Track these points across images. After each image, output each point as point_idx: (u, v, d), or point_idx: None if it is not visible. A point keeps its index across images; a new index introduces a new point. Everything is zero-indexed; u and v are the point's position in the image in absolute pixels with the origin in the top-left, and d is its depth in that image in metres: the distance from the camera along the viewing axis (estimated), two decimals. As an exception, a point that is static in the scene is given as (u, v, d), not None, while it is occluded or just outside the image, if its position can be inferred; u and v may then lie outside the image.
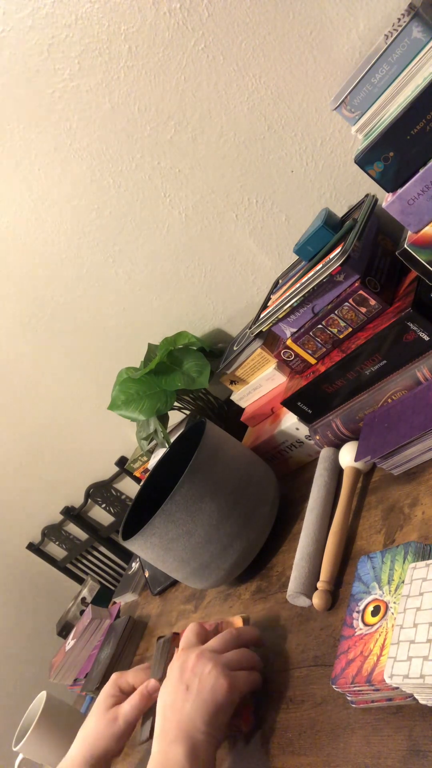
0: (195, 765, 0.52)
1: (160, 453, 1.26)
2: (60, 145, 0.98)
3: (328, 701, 0.54)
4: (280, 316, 0.76)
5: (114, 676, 0.74)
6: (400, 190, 0.60)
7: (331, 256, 0.70)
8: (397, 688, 0.44)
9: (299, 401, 0.79)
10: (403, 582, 0.50)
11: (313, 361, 0.79)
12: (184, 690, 0.58)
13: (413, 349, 0.68)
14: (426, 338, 0.66)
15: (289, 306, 0.74)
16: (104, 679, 1.03)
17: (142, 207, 1.02)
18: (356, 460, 0.66)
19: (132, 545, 0.77)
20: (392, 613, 0.49)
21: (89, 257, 1.14)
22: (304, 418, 0.81)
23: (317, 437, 0.80)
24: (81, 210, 1.07)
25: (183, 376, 1.06)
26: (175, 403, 1.13)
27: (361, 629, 0.51)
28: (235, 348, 1.01)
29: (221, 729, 0.57)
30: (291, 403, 0.80)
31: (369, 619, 0.51)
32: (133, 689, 0.72)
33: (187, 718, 0.56)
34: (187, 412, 1.21)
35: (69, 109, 0.93)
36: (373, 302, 0.70)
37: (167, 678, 0.62)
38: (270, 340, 0.95)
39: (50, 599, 2.21)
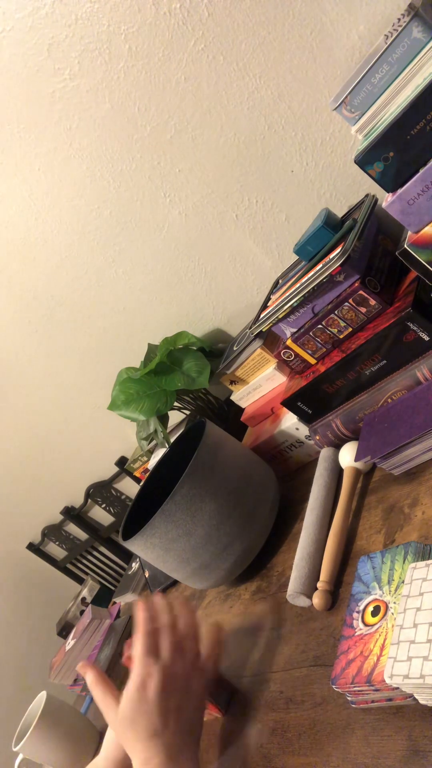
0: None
1: (160, 453, 1.26)
2: (60, 145, 0.98)
3: (328, 701, 0.54)
4: (280, 316, 0.76)
5: None
6: (400, 190, 0.60)
7: (331, 256, 0.70)
8: (397, 688, 0.44)
9: (299, 401, 0.79)
10: (403, 582, 0.50)
11: (313, 361, 0.79)
12: (165, 713, 0.57)
13: (413, 349, 0.68)
14: (426, 338, 0.66)
15: (289, 306, 0.74)
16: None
17: (142, 207, 1.02)
18: (356, 460, 0.66)
19: (132, 545, 0.77)
20: (392, 613, 0.49)
21: (89, 257, 1.14)
22: (304, 418, 0.81)
23: (317, 437, 0.80)
24: (81, 210, 1.07)
25: (183, 376, 1.06)
26: (175, 403, 1.13)
27: (361, 629, 0.51)
28: (235, 348, 1.01)
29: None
30: (291, 403, 0.80)
31: (369, 619, 0.51)
32: None
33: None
34: (187, 412, 1.21)
35: (69, 109, 0.93)
36: (373, 302, 0.70)
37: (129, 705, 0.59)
38: (270, 340, 0.95)
39: (50, 599, 2.21)
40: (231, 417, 1.16)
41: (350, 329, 0.73)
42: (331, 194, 0.91)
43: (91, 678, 0.61)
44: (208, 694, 0.65)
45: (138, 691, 0.56)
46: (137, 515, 0.87)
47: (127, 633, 1.10)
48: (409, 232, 0.62)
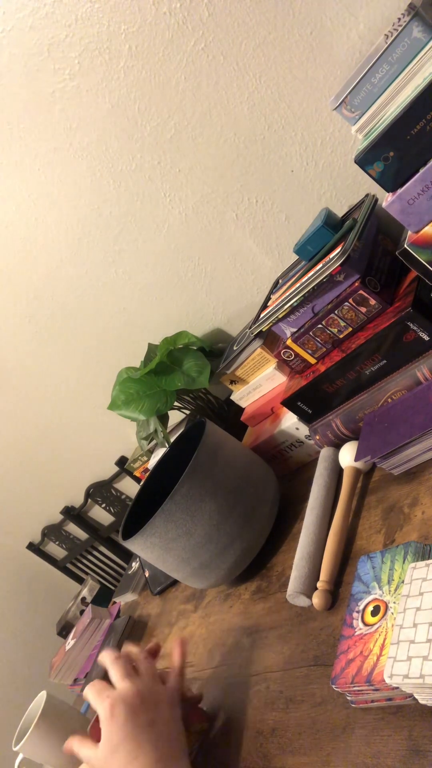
0: None
1: (160, 453, 1.26)
2: (60, 145, 0.98)
3: (328, 701, 0.54)
4: (280, 316, 0.76)
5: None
6: (400, 190, 0.60)
7: (331, 255, 0.70)
8: (396, 688, 0.44)
9: (299, 401, 0.79)
10: (402, 582, 0.50)
11: (313, 361, 0.79)
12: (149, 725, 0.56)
13: (413, 349, 0.68)
14: (426, 338, 0.66)
15: (289, 306, 0.74)
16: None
17: (142, 207, 1.02)
18: (356, 459, 0.66)
19: (132, 545, 0.77)
20: (392, 613, 0.49)
21: (89, 257, 1.14)
22: (304, 418, 0.81)
23: (317, 437, 0.79)
24: (81, 210, 1.07)
25: (183, 376, 1.06)
26: (175, 403, 1.13)
27: (361, 629, 0.51)
28: (235, 348, 1.01)
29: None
30: (291, 403, 0.80)
31: (369, 618, 0.51)
32: None
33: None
34: (187, 412, 1.21)
35: (69, 109, 0.93)
36: (373, 302, 0.70)
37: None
38: (270, 339, 0.95)
39: (50, 599, 2.21)
40: (231, 417, 1.16)
41: (350, 329, 0.73)
42: (331, 194, 0.91)
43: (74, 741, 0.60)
44: (189, 705, 0.65)
45: (107, 721, 0.56)
46: (137, 515, 0.87)
47: (127, 633, 1.10)
48: (409, 232, 0.62)
